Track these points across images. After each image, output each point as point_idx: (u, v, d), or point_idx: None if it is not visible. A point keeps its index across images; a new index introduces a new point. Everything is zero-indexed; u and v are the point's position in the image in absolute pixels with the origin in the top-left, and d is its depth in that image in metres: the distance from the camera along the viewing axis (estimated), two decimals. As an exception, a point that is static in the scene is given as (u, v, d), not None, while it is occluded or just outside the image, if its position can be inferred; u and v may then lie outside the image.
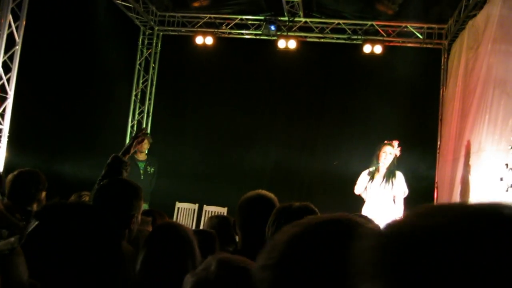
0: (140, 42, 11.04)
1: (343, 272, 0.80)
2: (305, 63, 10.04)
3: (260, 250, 3.03)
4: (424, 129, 9.57)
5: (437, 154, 9.44)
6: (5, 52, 7.06)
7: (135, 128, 10.91)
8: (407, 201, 7.36)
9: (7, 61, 7.13)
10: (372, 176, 6.98)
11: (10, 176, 4.29)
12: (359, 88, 9.80)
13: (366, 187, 7.01)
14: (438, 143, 9.47)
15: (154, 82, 11.14)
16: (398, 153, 7.05)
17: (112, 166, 3.45)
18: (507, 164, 5.65)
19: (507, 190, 5.55)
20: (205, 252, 3.17)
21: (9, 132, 7.17)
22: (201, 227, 6.52)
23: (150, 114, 11.11)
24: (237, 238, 3.82)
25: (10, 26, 7.05)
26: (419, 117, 9.63)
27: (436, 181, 9.26)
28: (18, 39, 7.21)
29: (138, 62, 10.99)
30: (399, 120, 9.22)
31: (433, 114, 9.50)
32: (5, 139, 7.13)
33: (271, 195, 3.18)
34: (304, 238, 0.97)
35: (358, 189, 7.09)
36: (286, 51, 9.85)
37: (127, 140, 10.66)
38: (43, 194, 4.32)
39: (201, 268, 1.66)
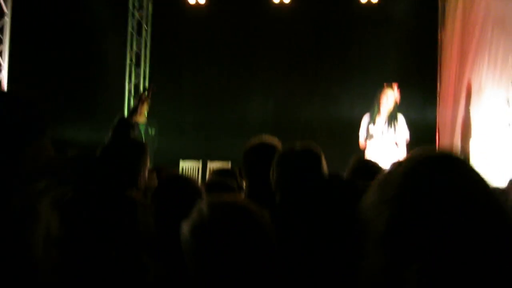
0: (130, 5, 10.88)
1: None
2: (300, 15, 9.91)
3: (266, 197, 3.05)
4: (423, 73, 9.51)
5: (437, 98, 9.41)
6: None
7: (132, 92, 10.86)
8: (410, 145, 7.38)
9: (-1, 35, 7.08)
10: (373, 119, 6.95)
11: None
12: (357, 35, 9.71)
13: (368, 132, 6.96)
14: (438, 86, 9.42)
15: (148, 44, 11.03)
16: (397, 96, 7.01)
17: (118, 130, 3.42)
18: (508, 99, 5.64)
19: (509, 125, 5.56)
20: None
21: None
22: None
23: (147, 76, 11.04)
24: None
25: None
26: (418, 61, 9.55)
27: (437, 124, 9.25)
28: (7, 11, 7.11)
29: (130, 25, 10.85)
30: (398, 65, 9.16)
31: (432, 57, 9.42)
32: None
33: (274, 140, 3.19)
34: (421, 172, 0.95)
35: (362, 138, 7.06)
36: (281, 5, 9.72)
37: (126, 104, 10.64)
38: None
39: (194, 214, 1.67)
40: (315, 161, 2.82)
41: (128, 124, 3.48)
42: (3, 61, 7.15)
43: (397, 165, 0.98)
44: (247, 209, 1.70)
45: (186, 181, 2.68)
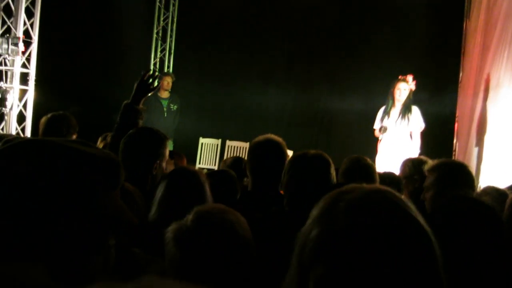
0: (159, -22, 11.00)
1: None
2: (323, 2, 9.92)
3: (269, 193, 3.20)
4: (445, 62, 9.48)
5: (458, 88, 9.41)
6: (27, -2, 7.21)
7: (157, 66, 11.06)
8: (428, 135, 7.47)
9: (30, 6, 7.28)
10: (388, 113, 7.06)
11: (43, 119, 4.50)
12: (379, 23, 9.67)
13: (382, 125, 7.09)
14: (460, 76, 9.41)
15: (175, 19, 11.17)
16: (413, 88, 7.07)
17: (125, 116, 3.41)
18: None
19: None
20: (227, 191, 3.39)
21: (36, 76, 7.40)
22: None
23: (172, 51, 11.20)
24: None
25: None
26: (441, 50, 9.53)
27: (456, 114, 9.27)
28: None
29: (158, -1, 10.99)
30: (419, 53, 9.18)
31: (455, 47, 9.38)
32: (32, 82, 7.37)
33: (279, 139, 3.34)
34: (364, 208, 1.01)
35: (377, 131, 7.19)
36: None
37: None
38: (74, 136, 4.54)
39: (178, 224, 1.80)
40: (325, 167, 3.01)
41: (135, 111, 3.50)
42: (34, 34, 7.37)
43: (337, 197, 1.05)
44: (226, 219, 1.83)
45: (191, 175, 2.83)
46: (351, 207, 1.01)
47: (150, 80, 3.54)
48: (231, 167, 4.03)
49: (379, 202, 1.03)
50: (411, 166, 4.10)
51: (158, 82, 3.58)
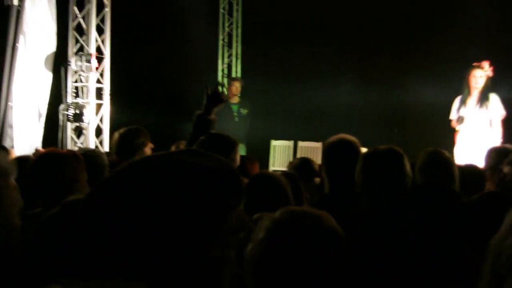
0: (221, -15, 11.13)
1: None
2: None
3: (347, 194, 3.17)
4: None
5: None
6: (97, 15, 7.45)
7: (225, 72, 11.17)
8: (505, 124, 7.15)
9: (100, 24, 7.53)
10: (464, 102, 6.81)
11: (115, 134, 4.64)
12: (447, 10, 9.36)
13: (459, 115, 6.84)
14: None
15: (240, 24, 11.25)
16: (490, 74, 6.78)
17: (198, 127, 3.45)
18: None
19: None
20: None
21: (110, 90, 7.65)
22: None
23: (239, 56, 11.28)
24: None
25: (98, -11, 7.43)
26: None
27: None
28: (107, 1, 7.57)
29: (221, 6, 11.09)
30: (495, 37, 8.81)
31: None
32: (107, 96, 7.62)
33: (353, 138, 3.29)
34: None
35: (454, 122, 6.94)
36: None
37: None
38: (148, 149, 4.63)
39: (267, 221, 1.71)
40: (398, 161, 2.93)
41: (208, 122, 3.54)
42: (106, 49, 7.62)
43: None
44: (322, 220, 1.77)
45: (274, 180, 2.84)
46: None
47: (220, 90, 3.60)
48: (299, 169, 4.02)
49: None
50: (495, 156, 3.94)
51: (225, 91, 3.58)
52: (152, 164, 1.01)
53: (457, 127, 6.91)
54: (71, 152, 4.27)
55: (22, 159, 4.61)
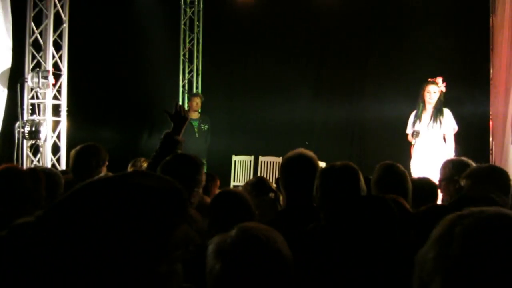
0: (182, 1, 11.15)
1: None
2: (347, 8, 9.88)
3: (304, 210, 3.21)
4: (473, 60, 9.31)
5: (490, 85, 9.23)
6: (54, 31, 7.38)
7: (186, 88, 11.17)
8: (463, 136, 7.34)
9: (57, 39, 7.46)
10: (419, 117, 6.97)
11: (72, 152, 4.58)
12: (403, 25, 9.57)
13: (414, 130, 7.00)
14: (491, 73, 9.24)
15: (201, 40, 11.28)
16: (443, 89, 6.97)
17: (165, 146, 3.52)
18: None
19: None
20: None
21: (67, 107, 7.56)
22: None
23: (200, 72, 11.30)
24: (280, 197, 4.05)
25: (55, 5, 7.34)
26: (468, 48, 9.36)
27: (490, 112, 9.10)
28: (65, 17, 7.50)
29: (182, 21, 11.12)
30: (447, 54, 9.05)
31: (482, 44, 9.22)
32: (64, 113, 7.52)
33: (311, 154, 3.34)
34: (483, 234, 0.99)
35: (410, 136, 7.09)
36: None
37: (180, 100, 10.96)
38: (104, 167, 4.59)
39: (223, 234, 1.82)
40: (353, 178, 3.00)
41: (175, 142, 3.59)
42: (63, 66, 7.54)
43: (454, 221, 1.03)
44: (270, 236, 1.84)
45: (238, 197, 2.85)
46: (467, 233, 1.00)
47: (179, 108, 3.70)
48: (255, 186, 4.10)
49: (497, 228, 1.00)
50: (452, 167, 4.06)
51: (185, 107, 3.72)
52: (100, 188, 1.06)
53: (413, 141, 7.06)
54: (31, 169, 4.23)
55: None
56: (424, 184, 4.02)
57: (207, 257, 1.79)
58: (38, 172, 3.54)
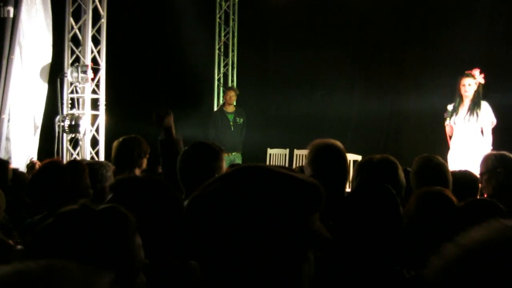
0: (217, -5, 11.19)
1: None
2: (384, 2, 9.75)
3: (333, 197, 3.19)
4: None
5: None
6: (92, 26, 7.49)
7: (222, 81, 11.22)
8: (505, 129, 7.14)
9: (96, 34, 7.57)
10: (456, 110, 6.82)
11: (115, 143, 4.64)
12: (440, 16, 9.39)
13: (451, 123, 6.85)
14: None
15: (236, 34, 11.31)
16: (481, 81, 6.77)
17: (165, 151, 3.52)
18: None
19: None
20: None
21: (106, 100, 7.68)
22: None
23: (235, 65, 11.34)
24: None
25: (94, 1, 7.45)
26: (507, 38, 9.08)
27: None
28: (103, 12, 7.60)
29: (218, 15, 11.16)
30: (487, 45, 8.84)
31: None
32: (102, 107, 7.64)
33: (339, 144, 3.31)
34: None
35: (448, 129, 6.94)
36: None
37: (215, 93, 11.03)
38: (145, 159, 4.65)
39: None
40: (392, 170, 2.97)
41: (171, 144, 3.54)
42: (101, 60, 7.65)
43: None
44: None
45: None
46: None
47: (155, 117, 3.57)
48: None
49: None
50: (494, 159, 3.99)
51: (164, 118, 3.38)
52: (257, 173, 1.14)
53: (446, 122, 6.84)
54: (71, 161, 4.34)
55: (16, 171, 4.67)
56: (466, 177, 3.97)
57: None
58: (79, 164, 3.64)
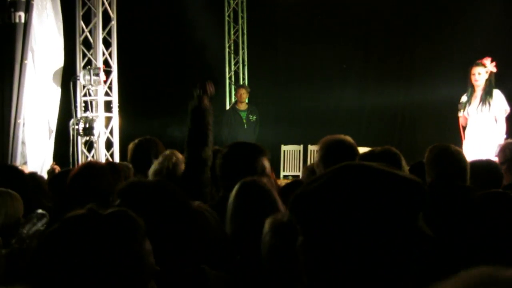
0: (225, -6, 11.19)
1: None
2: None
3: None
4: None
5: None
6: (103, 29, 7.52)
7: (233, 80, 11.22)
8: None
9: (106, 37, 7.60)
10: (469, 100, 6.75)
11: (131, 145, 4.66)
12: (452, 6, 9.33)
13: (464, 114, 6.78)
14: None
15: (245, 31, 11.30)
16: (493, 69, 6.68)
17: (194, 117, 3.44)
18: None
19: None
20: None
21: (119, 102, 7.71)
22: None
23: (246, 63, 11.33)
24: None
25: (103, 4, 7.49)
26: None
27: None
28: (113, 15, 7.64)
29: (226, 13, 11.16)
30: (499, 33, 8.76)
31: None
32: (116, 109, 7.68)
33: (350, 139, 3.29)
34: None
35: (461, 119, 6.87)
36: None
37: (227, 91, 11.04)
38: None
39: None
40: (394, 162, 2.94)
41: (202, 109, 3.46)
42: (113, 62, 7.68)
43: None
44: None
45: (260, 186, 2.79)
46: None
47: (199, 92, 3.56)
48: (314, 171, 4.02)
49: None
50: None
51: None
52: (362, 171, 1.14)
53: (460, 113, 6.76)
54: (109, 163, 4.35)
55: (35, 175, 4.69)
56: (487, 166, 3.82)
57: (264, 237, 1.90)
58: (116, 166, 3.65)
